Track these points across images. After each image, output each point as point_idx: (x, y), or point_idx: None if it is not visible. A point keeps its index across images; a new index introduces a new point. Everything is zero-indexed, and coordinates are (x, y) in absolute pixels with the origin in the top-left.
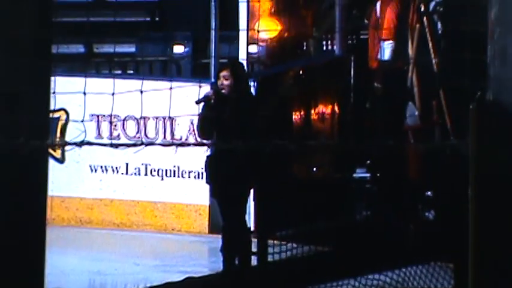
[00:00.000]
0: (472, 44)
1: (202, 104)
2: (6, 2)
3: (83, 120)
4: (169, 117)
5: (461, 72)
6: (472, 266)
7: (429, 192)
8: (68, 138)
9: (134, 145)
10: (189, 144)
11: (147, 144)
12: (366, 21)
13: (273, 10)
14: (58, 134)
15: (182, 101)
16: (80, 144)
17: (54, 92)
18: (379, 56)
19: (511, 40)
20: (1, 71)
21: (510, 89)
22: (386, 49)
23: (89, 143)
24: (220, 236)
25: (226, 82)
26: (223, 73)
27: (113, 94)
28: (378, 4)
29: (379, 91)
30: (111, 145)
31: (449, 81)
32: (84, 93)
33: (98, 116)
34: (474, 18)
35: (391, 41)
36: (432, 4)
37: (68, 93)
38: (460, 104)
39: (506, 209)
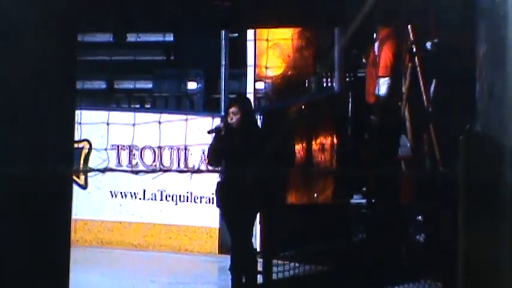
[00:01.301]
0: (461, 81)
1: (213, 134)
2: (36, 41)
3: (106, 149)
4: (184, 147)
5: (450, 107)
6: (460, 285)
7: (420, 217)
8: (90, 166)
9: (153, 171)
10: (202, 171)
11: (164, 171)
12: (363, 60)
13: (277, 50)
14: (82, 162)
15: (195, 132)
16: (103, 170)
17: (80, 123)
18: (376, 92)
19: (498, 77)
20: (31, 104)
21: (497, 123)
22: (383, 85)
23: (111, 170)
24: (229, 256)
25: (235, 117)
26: (232, 109)
27: (134, 125)
28: (377, 44)
29: (376, 123)
30: (132, 171)
31: (438, 116)
32: (107, 124)
33: (118, 146)
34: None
35: (387, 78)
36: (427, 44)
37: (91, 123)
38: (448, 136)
39: (493, 232)
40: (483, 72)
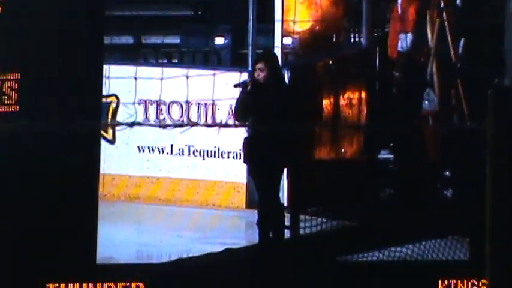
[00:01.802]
0: (490, 35)
1: (240, 88)
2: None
3: (134, 103)
4: (211, 103)
5: (478, 62)
6: (487, 239)
7: (447, 172)
8: (118, 120)
9: (180, 125)
10: (229, 125)
11: (192, 125)
12: (388, 15)
13: (306, 5)
14: (109, 117)
15: (222, 87)
16: (131, 124)
17: (108, 78)
18: (398, 47)
19: None
20: (60, 59)
21: None
22: (405, 41)
23: (139, 124)
24: (256, 211)
25: (262, 73)
26: (259, 65)
27: (161, 79)
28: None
29: (398, 79)
30: (160, 125)
31: (467, 71)
32: (135, 78)
33: (145, 101)
34: (492, 12)
35: (409, 34)
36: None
37: (118, 77)
38: (477, 91)
39: None
40: (511, 26)
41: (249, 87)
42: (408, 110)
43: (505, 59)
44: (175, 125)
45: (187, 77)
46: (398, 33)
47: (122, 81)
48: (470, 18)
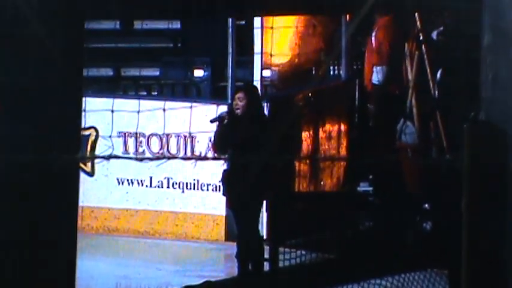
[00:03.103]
0: (466, 69)
1: (217, 122)
2: (42, 29)
3: (110, 136)
4: (190, 135)
5: (456, 95)
6: (465, 272)
7: (426, 205)
8: (97, 153)
9: (157, 158)
10: (207, 158)
11: (169, 158)
12: (362, 48)
13: (285, 38)
14: (88, 150)
15: (201, 120)
16: (108, 157)
17: (85, 110)
18: (372, 80)
19: (501, 65)
20: (36, 91)
21: (501, 110)
22: (379, 73)
23: (117, 157)
24: (235, 244)
25: (241, 103)
26: (239, 95)
27: (139, 112)
28: (374, 32)
29: (372, 111)
30: (137, 158)
31: (445, 103)
32: (112, 111)
33: (124, 134)
34: (468, 46)
35: (383, 66)
36: (433, 34)
37: (98, 110)
38: (455, 124)
39: (497, 220)
40: (487, 60)
41: (225, 121)
42: (383, 142)
43: (481, 92)
44: (153, 158)
45: (164, 110)
46: (373, 66)
47: (101, 114)
48: (448, 52)
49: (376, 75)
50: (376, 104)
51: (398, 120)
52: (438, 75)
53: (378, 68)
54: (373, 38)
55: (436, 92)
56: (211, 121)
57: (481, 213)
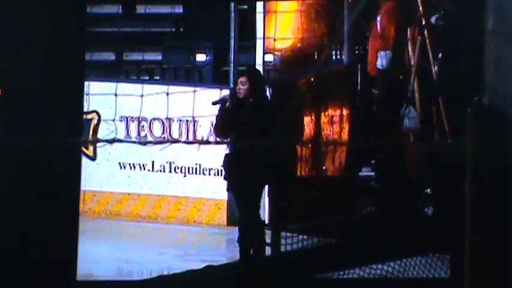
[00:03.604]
0: (469, 53)
1: (219, 105)
2: (45, 14)
3: (114, 120)
4: (192, 119)
5: (459, 80)
6: (468, 257)
7: (428, 190)
8: (99, 137)
9: (160, 142)
10: (209, 143)
11: (172, 142)
12: (367, 33)
13: (287, 22)
14: (91, 134)
15: (204, 104)
16: (111, 141)
17: (87, 94)
18: (377, 64)
19: (505, 49)
20: (41, 76)
21: (504, 94)
22: (384, 58)
23: (119, 140)
24: (237, 228)
25: (243, 87)
26: (241, 79)
27: (142, 96)
28: (379, 17)
29: (377, 96)
30: (139, 142)
31: (447, 88)
32: (115, 95)
33: (127, 118)
34: (471, 29)
35: (388, 51)
36: (433, 18)
37: (100, 94)
38: (457, 109)
39: (500, 204)
40: (490, 44)
41: (227, 104)
42: (387, 127)
43: (484, 77)
44: (155, 142)
45: (168, 94)
46: (377, 51)
47: (103, 98)
48: (451, 36)
49: (381, 60)
50: (381, 89)
51: (402, 105)
52: (441, 60)
53: (383, 52)
54: (378, 23)
55: (439, 77)
56: (214, 103)
57: (484, 197)
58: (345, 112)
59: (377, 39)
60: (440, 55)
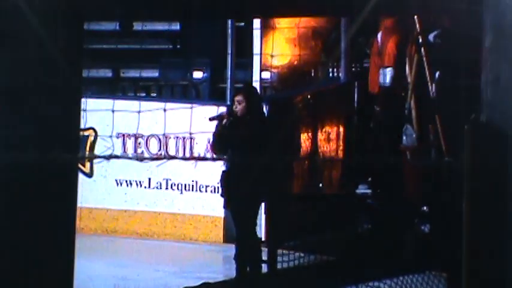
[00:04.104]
0: (466, 71)
1: (216, 121)
2: (43, 29)
3: (111, 136)
4: (189, 136)
5: (456, 98)
6: (465, 275)
7: (425, 207)
8: (96, 154)
9: (157, 159)
10: (206, 159)
11: (168, 158)
12: (367, 50)
13: (284, 39)
14: (87, 150)
15: (200, 121)
16: (108, 157)
17: (84, 110)
18: (379, 82)
19: (503, 67)
20: (38, 92)
21: (502, 112)
22: (386, 75)
23: (116, 156)
24: (233, 245)
25: (240, 106)
26: (238, 97)
27: (139, 112)
28: (380, 34)
29: (379, 114)
30: (136, 158)
31: (444, 106)
32: (113, 111)
33: (123, 135)
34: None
35: (390, 68)
36: (430, 36)
37: (96, 110)
38: (454, 127)
39: (497, 222)
40: (488, 62)
41: (224, 121)
42: (388, 145)
43: (481, 94)
44: (152, 158)
45: (165, 110)
46: (379, 68)
47: (100, 115)
48: (448, 54)
49: (384, 77)
50: (384, 106)
51: (404, 123)
52: (436, 77)
53: (385, 70)
54: (379, 40)
55: (436, 95)
56: (211, 119)
57: (481, 215)
58: (341, 129)
59: (378, 56)
60: (437, 73)
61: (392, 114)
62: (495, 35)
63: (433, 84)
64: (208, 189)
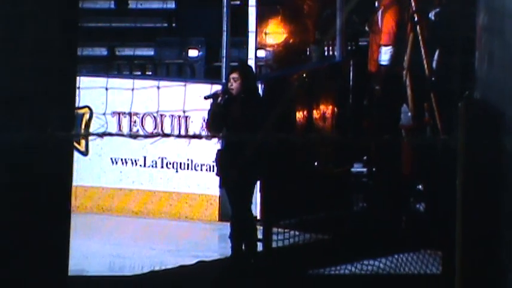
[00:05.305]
0: (461, 48)
1: (211, 100)
2: (37, 9)
3: (104, 114)
4: (184, 115)
5: (450, 76)
6: (459, 253)
7: (420, 186)
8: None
9: (151, 136)
10: (201, 137)
11: (163, 136)
12: (366, 28)
13: (279, 18)
14: (83, 129)
15: (196, 100)
16: (102, 135)
17: (79, 88)
18: (378, 60)
19: (497, 44)
20: (32, 71)
21: (496, 89)
22: (386, 54)
23: (110, 134)
24: (229, 224)
25: (235, 83)
26: (233, 75)
27: (133, 90)
28: (380, 12)
29: (378, 92)
30: (130, 136)
31: (439, 84)
32: (106, 89)
33: (118, 113)
34: (463, 26)
35: (390, 47)
36: (430, 14)
37: (91, 88)
38: (449, 105)
39: (491, 199)
40: (482, 40)
41: (219, 99)
42: (387, 123)
43: (476, 72)
44: (146, 136)
45: (158, 88)
46: (379, 47)
47: (95, 93)
48: (443, 32)
49: (383, 56)
50: (383, 85)
51: (402, 101)
52: (435, 56)
53: (385, 48)
54: (379, 18)
55: (431, 73)
56: (206, 97)
57: (475, 193)
58: (337, 108)
59: (378, 34)
60: (435, 51)
61: (392, 92)
62: (488, 13)
63: (429, 63)
64: (204, 167)
